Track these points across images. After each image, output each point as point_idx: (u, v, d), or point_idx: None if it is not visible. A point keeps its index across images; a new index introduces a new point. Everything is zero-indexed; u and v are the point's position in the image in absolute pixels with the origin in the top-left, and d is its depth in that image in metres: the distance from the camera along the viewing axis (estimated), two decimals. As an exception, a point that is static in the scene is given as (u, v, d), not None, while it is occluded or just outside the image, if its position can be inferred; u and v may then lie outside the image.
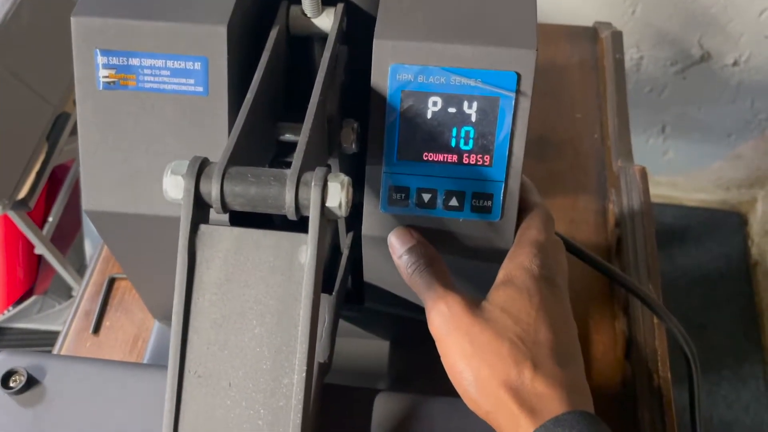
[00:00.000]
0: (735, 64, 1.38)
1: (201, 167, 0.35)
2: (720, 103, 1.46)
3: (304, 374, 0.34)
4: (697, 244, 1.66)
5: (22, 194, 0.95)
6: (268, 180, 0.35)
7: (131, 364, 0.49)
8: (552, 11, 1.30)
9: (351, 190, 0.35)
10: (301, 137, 0.37)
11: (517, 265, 0.43)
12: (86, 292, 0.70)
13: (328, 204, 0.34)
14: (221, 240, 0.35)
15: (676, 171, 1.63)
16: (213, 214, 0.46)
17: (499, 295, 0.43)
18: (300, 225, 0.38)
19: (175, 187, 0.35)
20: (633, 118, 1.52)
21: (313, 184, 0.34)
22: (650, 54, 1.38)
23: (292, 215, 0.35)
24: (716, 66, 1.39)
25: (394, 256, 0.45)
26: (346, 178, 0.35)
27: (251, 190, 0.34)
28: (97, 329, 0.67)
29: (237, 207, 0.35)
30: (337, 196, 0.34)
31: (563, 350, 0.41)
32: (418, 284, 0.44)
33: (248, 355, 0.35)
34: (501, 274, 0.44)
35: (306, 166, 0.36)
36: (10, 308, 1.20)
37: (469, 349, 0.41)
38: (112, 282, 0.70)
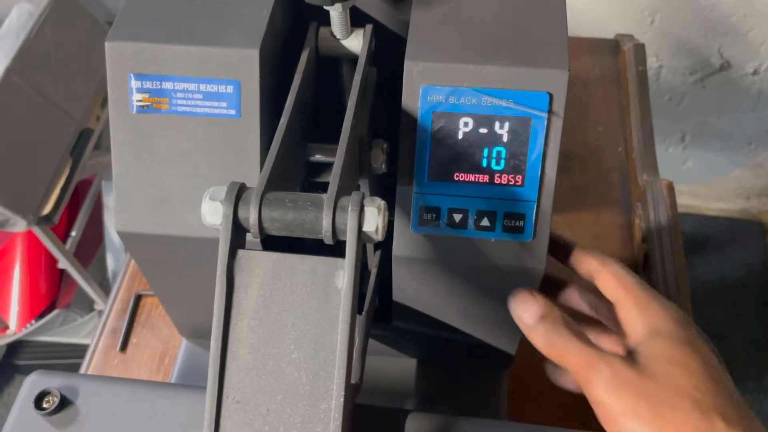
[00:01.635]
0: (755, 73, 1.37)
1: (239, 193, 0.35)
2: (740, 112, 1.45)
3: (342, 399, 0.34)
4: (717, 254, 1.64)
5: (46, 210, 0.96)
6: (306, 205, 0.35)
7: (163, 384, 0.49)
8: (570, 22, 1.29)
9: (387, 214, 0.35)
10: (336, 161, 0.38)
11: (664, 317, 0.41)
12: (113, 309, 0.70)
13: (365, 229, 0.35)
14: (258, 265, 0.35)
15: (696, 180, 1.62)
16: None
17: (656, 348, 0.40)
18: (331, 248, 0.38)
19: (213, 213, 0.35)
20: (652, 126, 1.51)
21: (350, 209, 0.34)
22: (669, 63, 1.37)
23: (329, 240, 0.35)
24: (736, 75, 1.38)
25: (526, 330, 0.43)
26: (382, 203, 0.35)
27: (289, 215, 0.35)
28: (124, 346, 0.68)
29: (274, 231, 0.35)
30: (374, 220, 0.34)
31: (736, 395, 0.39)
32: (562, 353, 0.41)
33: (286, 380, 0.35)
34: (639, 327, 0.41)
35: (342, 191, 0.36)
36: (33, 321, 1.21)
37: (646, 411, 0.37)
38: (138, 299, 0.71)
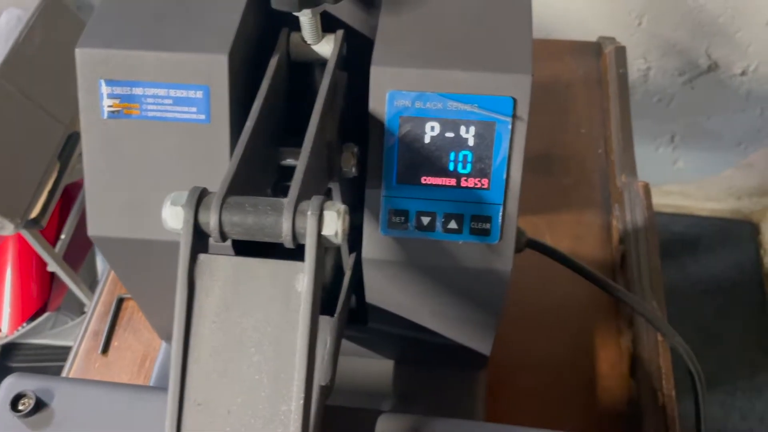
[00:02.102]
0: (743, 73, 1.37)
1: (200, 198, 0.35)
2: (729, 112, 1.45)
3: (301, 401, 0.35)
4: (709, 254, 1.64)
5: (34, 213, 0.97)
6: (266, 209, 0.35)
7: (139, 387, 0.49)
8: (558, 24, 1.30)
9: (347, 218, 0.36)
10: (298, 166, 0.38)
11: None
12: (95, 312, 0.71)
13: (324, 233, 0.35)
14: (220, 269, 0.35)
15: (687, 180, 1.62)
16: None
17: None
18: (301, 252, 0.38)
19: (174, 218, 0.36)
20: (642, 128, 1.52)
21: (309, 213, 0.35)
22: (658, 65, 1.38)
23: (289, 244, 0.35)
24: (724, 75, 1.38)
25: None
26: (342, 207, 0.35)
27: (249, 219, 0.35)
28: (105, 349, 0.68)
29: (235, 236, 0.36)
30: (333, 225, 0.35)
31: None
32: None
33: (247, 382, 0.35)
34: None
35: (304, 194, 0.37)
36: (24, 324, 1.22)
37: None
38: (120, 302, 0.71)
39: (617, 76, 0.84)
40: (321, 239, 0.35)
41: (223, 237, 0.36)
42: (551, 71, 0.87)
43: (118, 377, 0.66)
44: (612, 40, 0.89)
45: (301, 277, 0.35)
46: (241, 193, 0.37)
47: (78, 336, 0.70)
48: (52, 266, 1.09)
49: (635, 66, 1.38)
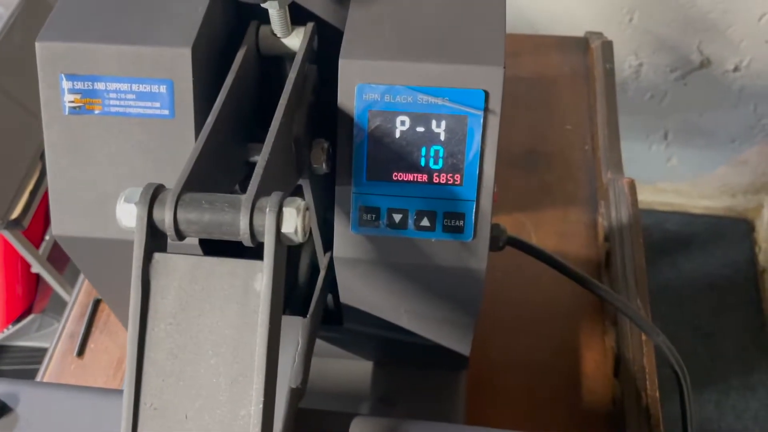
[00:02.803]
0: (736, 69, 1.36)
1: (155, 194, 0.34)
2: (722, 109, 1.44)
3: (261, 406, 0.33)
4: (703, 252, 1.63)
5: (15, 214, 0.95)
6: (223, 206, 0.34)
7: (106, 390, 0.48)
8: (548, 21, 1.29)
9: (308, 214, 0.34)
10: (258, 161, 0.37)
11: None
12: (71, 313, 0.70)
13: (283, 230, 0.34)
14: (176, 268, 0.34)
15: (680, 178, 1.61)
16: (188, 240, 0.45)
17: None
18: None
19: (128, 216, 0.34)
20: (634, 125, 1.51)
21: (267, 210, 0.34)
22: (649, 61, 1.37)
23: (248, 242, 0.34)
24: (717, 72, 1.37)
25: None
26: (302, 203, 0.34)
27: (205, 217, 0.34)
28: (81, 352, 0.67)
29: (193, 234, 0.35)
30: (293, 221, 0.34)
31: None
32: None
33: (204, 386, 0.34)
34: None
35: (266, 191, 0.35)
36: (10, 326, 1.20)
37: None
38: (97, 303, 0.70)
39: (604, 71, 0.82)
40: (280, 237, 0.34)
41: (179, 235, 0.34)
42: (536, 66, 0.86)
43: (93, 380, 0.65)
44: (599, 35, 0.88)
45: (260, 277, 0.34)
46: (201, 190, 0.36)
47: (54, 338, 0.69)
48: (36, 267, 1.07)
49: (627, 62, 1.37)
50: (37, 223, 1.12)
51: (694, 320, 1.53)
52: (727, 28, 1.29)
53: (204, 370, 0.34)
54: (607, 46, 0.85)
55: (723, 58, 1.34)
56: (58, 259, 1.15)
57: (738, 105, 1.43)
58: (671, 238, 1.64)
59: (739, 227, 1.66)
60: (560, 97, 0.84)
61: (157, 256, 0.34)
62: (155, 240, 0.35)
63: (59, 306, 1.23)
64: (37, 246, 1.10)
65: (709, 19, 1.28)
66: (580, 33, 0.94)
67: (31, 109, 1.00)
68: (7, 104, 0.97)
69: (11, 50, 0.99)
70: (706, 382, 1.44)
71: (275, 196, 0.34)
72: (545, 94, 0.84)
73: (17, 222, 0.96)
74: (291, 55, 0.47)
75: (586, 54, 0.88)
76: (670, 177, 1.60)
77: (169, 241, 0.36)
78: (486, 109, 0.42)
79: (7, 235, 0.98)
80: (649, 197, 1.62)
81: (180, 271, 0.34)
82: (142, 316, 0.34)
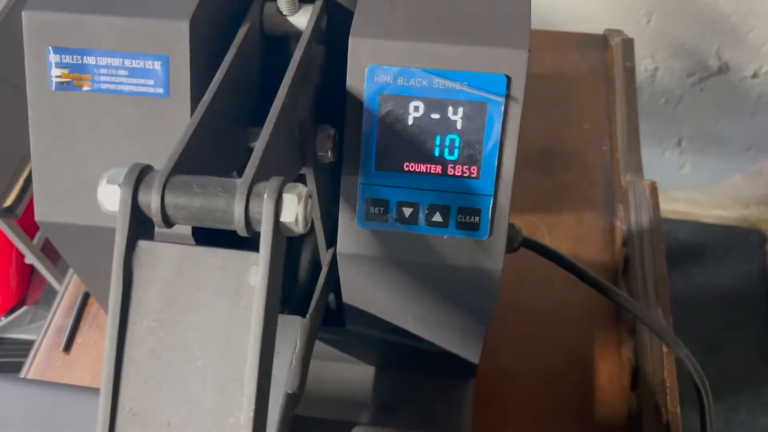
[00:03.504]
0: (755, 76, 1.32)
1: (141, 176, 0.31)
2: (739, 117, 1.40)
3: (252, 414, 0.30)
4: (714, 263, 1.60)
5: (8, 202, 0.92)
6: (216, 191, 0.31)
7: (86, 389, 0.45)
8: (564, 20, 1.25)
9: (310, 202, 0.31)
10: (258, 143, 0.34)
11: None
12: (60, 306, 0.66)
13: (282, 219, 0.30)
14: (162, 259, 0.31)
15: (693, 186, 1.57)
16: (177, 229, 0.42)
17: None
18: (290, 244, 0.34)
19: (111, 199, 0.31)
20: (648, 130, 1.47)
21: (265, 195, 0.30)
22: (666, 65, 1.33)
23: (242, 231, 0.31)
24: (735, 78, 1.33)
25: None
26: (304, 189, 0.31)
27: (196, 202, 0.30)
28: (68, 346, 0.63)
29: (181, 221, 0.31)
30: (293, 209, 0.30)
31: None
32: None
33: (190, 390, 0.30)
34: None
35: (264, 175, 0.32)
36: (2, 318, 1.17)
37: None
38: (87, 296, 0.66)
39: (624, 70, 0.79)
40: (279, 226, 0.30)
41: (167, 222, 0.31)
42: (554, 63, 0.82)
43: (79, 377, 0.61)
44: (619, 32, 0.85)
45: (255, 270, 0.30)
46: (194, 174, 0.32)
47: (41, 331, 0.65)
48: (30, 258, 1.04)
49: (643, 66, 1.33)
50: (31, 212, 1.09)
51: (704, 332, 1.50)
52: (747, 33, 1.25)
53: (190, 372, 0.31)
54: (628, 44, 0.82)
55: (742, 64, 1.31)
56: (52, 249, 1.12)
57: (756, 113, 1.39)
58: (683, 247, 1.60)
59: (752, 238, 1.63)
60: (578, 96, 0.80)
61: (141, 244, 0.31)
62: (140, 226, 0.31)
63: (53, 298, 1.20)
64: (32, 236, 1.07)
65: (729, 23, 1.24)
66: (594, 32, 0.91)
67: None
68: (5, 90, 0.94)
69: (11, 35, 0.96)
70: (715, 397, 1.40)
71: (275, 181, 0.31)
72: (562, 92, 0.80)
73: (10, 210, 0.92)
74: (297, 35, 0.44)
75: (605, 52, 0.85)
76: (683, 185, 1.57)
77: (157, 229, 0.33)
78: (508, 96, 0.38)
79: (1, 224, 0.95)
80: (660, 205, 1.59)
81: (166, 261, 0.31)
82: (122, 310, 0.30)
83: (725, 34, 1.26)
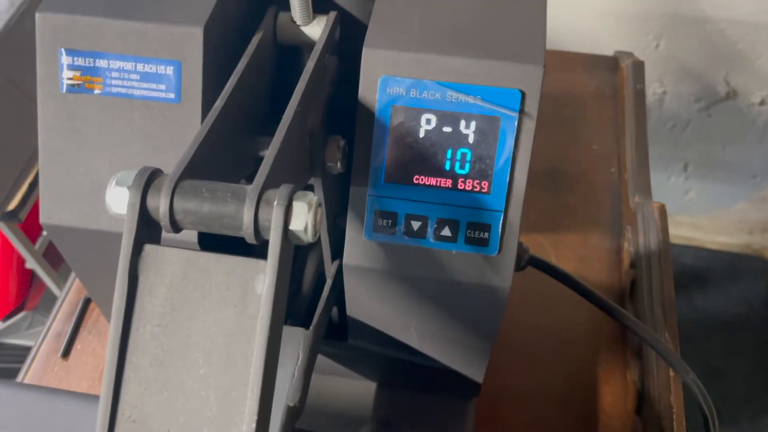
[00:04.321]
0: (762, 103, 1.32)
1: (150, 179, 0.30)
2: (746, 143, 1.40)
3: (254, 425, 0.29)
4: (717, 289, 1.59)
5: (12, 206, 0.92)
6: (225, 196, 0.30)
7: (83, 395, 0.44)
8: (573, 42, 1.25)
9: (320, 211, 0.31)
10: (269, 150, 0.33)
11: None
12: (60, 311, 0.66)
13: (291, 227, 0.30)
14: (167, 264, 0.30)
15: (698, 211, 1.57)
16: (184, 235, 0.41)
17: None
18: (302, 253, 0.33)
19: (119, 201, 0.31)
20: (654, 154, 1.47)
21: (275, 203, 0.30)
22: (673, 89, 1.33)
23: (250, 238, 0.30)
24: (742, 104, 1.33)
25: None
26: (314, 198, 0.30)
27: (204, 207, 0.30)
28: (67, 352, 0.63)
29: (189, 226, 0.31)
30: (303, 217, 0.30)
31: None
32: None
33: (191, 399, 0.30)
34: None
35: (273, 183, 0.32)
36: (1, 322, 1.16)
37: None
38: (88, 302, 0.66)
39: (634, 92, 0.79)
40: (288, 234, 0.30)
41: (175, 226, 0.31)
42: (563, 83, 0.82)
43: (76, 384, 0.61)
44: (629, 54, 0.85)
45: (262, 278, 0.30)
46: (203, 180, 0.32)
47: (39, 337, 0.65)
48: (31, 263, 1.04)
49: (650, 90, 1.33)
50: (34, 216, 1.09)
51: (705, 358, 1.49)
52: (755, 60, 1.25)
53: (192, 380, 0.30)
54: (638, 66, 0.82)
55: (749, 91, 1.31)
56: (54, 255, 1.11)
57: (762, 140, 1.39)
58: (686, 272, 1.59)
59: (756, 265, 1.62)
60: (586, 116, 0.80)
61: (147, 248, 0.30)
62: (147, 230, 0.31)
63: (52, 304, 1.19)
64: (34, 241, 1.06)
65: (737, 50, 1.25)
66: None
67: (36, 97, 0.97)
68: (13, 94, 0.94)
69: (20, 38, 0.96)
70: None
71: (285, 189, 0.30)
72: (571, 112, 0.80)
73: (14, 214, 0.92)
74: (310, 45, 0.44)
75: (615, 73, 0.85)
76: (687, 210, 1.56)
77: (164, 234, 0.32)
78: (521, 111, 0.38)
79: (2, 228, 0.95)
80: (665, 229, 1.58)
81: (172, 266, 0.30)
82: (126, 314, 0.30)
83: (733, 61, 1.26)
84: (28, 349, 1.21)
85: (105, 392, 0.30)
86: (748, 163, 1.45)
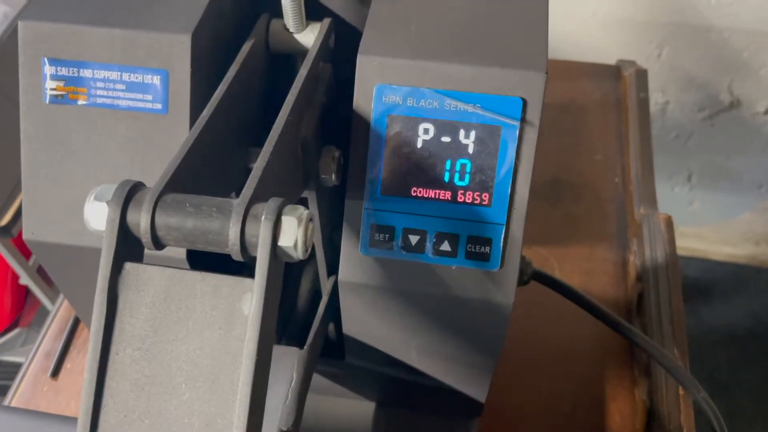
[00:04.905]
0: (766, 112, 1.31)
1: (131, 193, 0.29)
2: (750, 153, 1.39)
3: (240, 454, 0.27)
4: (723, 301, 1.57)
5: (5, 221, 0.90)
6: (210, 211, 0.28)
7: (68, 419, 0.42)
8: (575, 51, 1.24)
9: (311, 226, 0.29)
10: (258, 161, 0.32)
11: None
12: (50, 329, 0.64)
13: (280, 243, 0.28)
14: (149, 283, 0.29)
15: (703, 222, 1.55)
16: (172, 253, 0.40)
17: None
18: (299, 267, 0.31)
19: (98, 216, 0.29)
20: (657, 165, 1.45)
21: (263, 217, 0.28)
22: (676, 99, 1.32)
23: (237, 255, 0.29)
24: (746, 114, 1.32)
25: None
26: (305, 212, 0.29)
27: (188, 222, 0.28)
28: (56, 372, 0.61)
29: (172, 242, 0.29)
30: (293, 233, 0.28)
31: None
32: None
33: (174, 426, 0.28)
34: None
35: (262, 197, 0.30)
36: (-6, 340, 1.14)
37: None
38: (77, 320, 0.64)
39: (637, 101, 0.77)
40: (276, 251, 0.28)
41: (157, 243, 0.29)
42: (565, 93, 0.81)
43: (65, 405, 0.59)
44: (632, 63, 0.83)
45: (249, 297, 0.28)
46: (189, 193, 0.30)
47: (28, 355, 0.63)
48: (24, 279, 1.02)
49: (653, 99, 1.32)
50: (30, 232, 1.07)
51: (711, 371, 1.46)
52: (759, 69, 1.24)
53: (175, 407, 0.28)
54: (642, 75, 0.80)
55: (753, 100, 1.29)
56: (49, 271, 1.10)
57: (766, 149, 1.37)
58: (691, 284, 1.57)
59: (762, 277, 1.60)
60: (589, 126, 0.79)
61: (128, 266, 0.29)
62: (128, 247, 0.29)
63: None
64: (27, 256, 1.05)
65: (741, 59, 1.23)
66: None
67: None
68: (4, 105, 0.93)
69: (15, 51, 0.95)
70: (724, 439, 1.37)
71: (273, 203, 0.29)
72: (573, 122, 0.79)
73: (6, 229, 0.91)
74: (303, 53, 0.42)
75: (618, 82, 0.83)
76: (692, 221, 1.54)
77: (150, 251, 0.30)
78: (523, 120, 0.36)
79: (-4, 243, 0.93)
80: (669, 240, 1.57)
81: (154, 285, 0.29)
82: (105, 337, 0.28)
83: (737, 70, 1.25)
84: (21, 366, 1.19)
85: (82, 420, 0.28)
86: (753, 173, 1.43)
